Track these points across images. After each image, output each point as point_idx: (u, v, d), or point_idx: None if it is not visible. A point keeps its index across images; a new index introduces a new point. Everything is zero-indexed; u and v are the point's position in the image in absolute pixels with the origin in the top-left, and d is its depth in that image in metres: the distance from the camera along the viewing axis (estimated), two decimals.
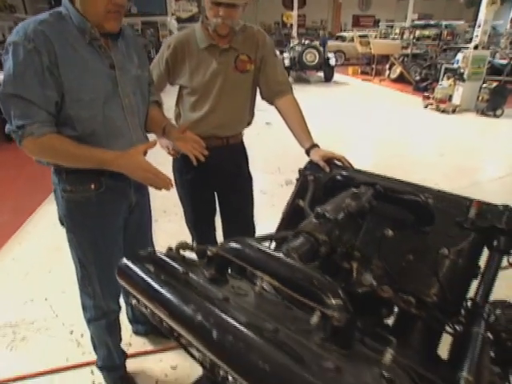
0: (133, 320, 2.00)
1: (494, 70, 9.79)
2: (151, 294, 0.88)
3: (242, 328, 0.72)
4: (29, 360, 1.97)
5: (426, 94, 8.09)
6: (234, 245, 0.90)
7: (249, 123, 1.92)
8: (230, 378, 0.81)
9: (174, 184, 1.46)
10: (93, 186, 1.34)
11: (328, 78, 11.70)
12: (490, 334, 1.06)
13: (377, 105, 8.48)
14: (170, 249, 1.06)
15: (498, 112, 7.18)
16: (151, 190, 1.44)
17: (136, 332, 2.06)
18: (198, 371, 1.59)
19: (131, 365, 1.87)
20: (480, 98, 7.27)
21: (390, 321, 1.21)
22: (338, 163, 1.50)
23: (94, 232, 1.40)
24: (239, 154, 1.89)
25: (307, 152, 1.59)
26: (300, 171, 1.55)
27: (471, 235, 1.18)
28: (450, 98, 7.71)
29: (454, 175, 4.28)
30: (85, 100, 1.22)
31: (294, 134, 1.70)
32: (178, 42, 1.72)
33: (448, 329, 1.13)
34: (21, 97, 1.12)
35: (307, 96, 9.48)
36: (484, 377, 0.92)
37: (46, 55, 1.13)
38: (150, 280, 0.89)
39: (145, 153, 1.31)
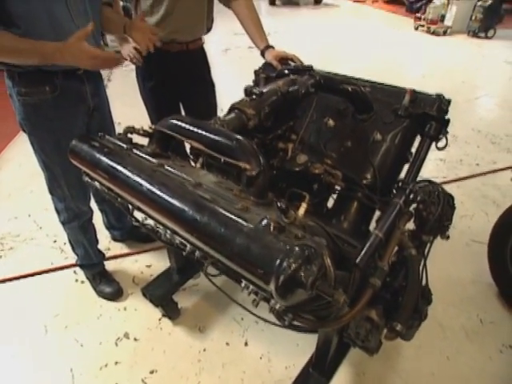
0: (109, 227, 2.14)
1: None
2: (96, 165, 0.97)
3: (167, 180, 0.82)
4: (18, 265, 2.13)
5: (418, 15, 7.68)
6: (170, 120, 0.97)
7: (208, 29, 1.88)
8: (171, 235, 0.93)
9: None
10: (47, 88, 1.36)
11: (318, 0, 10.94)
12: (411, 208, 1.19)
13: (366, 28, 8.09)
14: (118, 133, 1.14)
15: (490, 33, 6.90)
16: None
17: (114, 238, 2.22)
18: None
19: (110, 266, 2.05)
20: (473, 17, 6.92)
21: None
22: (292, 63, 1.52)
23: (54, 134, 1.45)
24: (200, 59, 1.88)
25: (262, 53, 1.60)
26: (255, 72, 1.57)
27: (405, 122, 1.26)
28: (443, 18, 7.34)
29: None
30: None
31: (249, 35, 1.69)
32: None
33: (379, 207, 1.26)
34: None
35: (296, 20, 8.98)
36: (394, 235, 1.05)
37: None
38: (94, 152, 0.98)
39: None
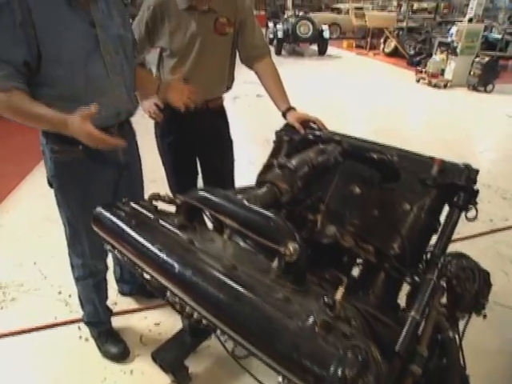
0: (119, 280, 2.07)
1: (489, 45, 9.66)
2: (121, 237, 0.93)
3: (201, 263, 0.78)
4: (19, 318, 2.04)
5: (419, 69, 8.03)
6: (199, 192, 0.95)
7: (228, 87, 1.93)
8: (195, 313, 0.88)
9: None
10: (81, 147, 1.32)
11: (322, 52, 11.51)
12: (443, 282, 1.14)
13: (368, 79, 8.42)
14: (143, 200, 1.12)
15: (489, 88, 7.17)
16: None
17: (122, 292, 2.14)
18: (179, 326, 1.70)
19: (117, 322, 1.95)
20: (472, 72, 7.22)
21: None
22: (314, 125, 1.54)
23: (82, 191, 1.43)
24: (219, 117, 1.91)
25: (283, 115, 1.62)
26: (276, 133, 1.59)
27: (433, 192, 1.24)
28: (443, 72, 7.67)
29: (438, 148, 4.32)
30: (64, 60, 1.21)
31: (271, 96, 1.73)
32: (158, 3, 1.70)
33: (408, 279, 1.21)
34: None
35: (300, 69, 9.39)
36: (431, 316, 1.00)
37: (18, 11, 1.11)
38: (120, 224, 0.94)
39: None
